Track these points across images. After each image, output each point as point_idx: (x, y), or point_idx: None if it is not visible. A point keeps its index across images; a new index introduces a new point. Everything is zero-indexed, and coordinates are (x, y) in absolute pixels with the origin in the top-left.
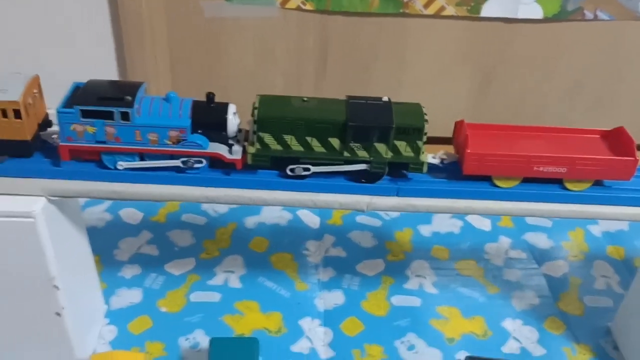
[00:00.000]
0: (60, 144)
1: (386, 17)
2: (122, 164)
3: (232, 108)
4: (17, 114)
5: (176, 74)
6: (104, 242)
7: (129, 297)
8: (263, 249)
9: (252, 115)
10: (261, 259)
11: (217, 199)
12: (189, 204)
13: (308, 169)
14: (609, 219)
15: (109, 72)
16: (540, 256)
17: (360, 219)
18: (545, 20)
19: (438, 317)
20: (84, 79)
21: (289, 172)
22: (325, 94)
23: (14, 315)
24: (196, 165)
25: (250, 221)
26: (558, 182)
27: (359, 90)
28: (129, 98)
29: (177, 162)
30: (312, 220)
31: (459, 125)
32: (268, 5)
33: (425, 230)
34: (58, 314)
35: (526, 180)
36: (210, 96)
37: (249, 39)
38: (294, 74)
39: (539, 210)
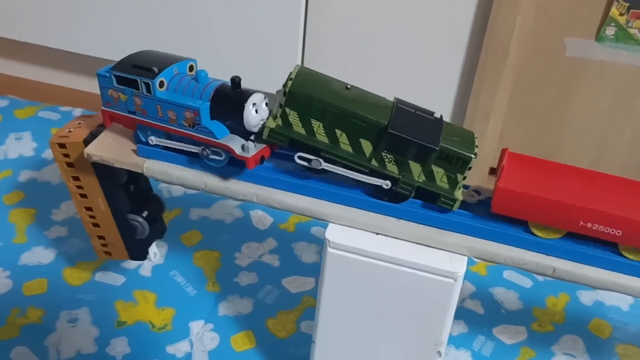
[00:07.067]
0: (102, 108)
1: None
2: (152, 139)
3: (256, 98)
4: None
5: (510, 110)
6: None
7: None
8: None
9: (284, 85)
10: None
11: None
12: None
13: (322, 164)
14: None
15: (447, 99)
16: None
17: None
18: None
19: None
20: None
21: (297, 160)
22: None
23: None
24: (212, 157)
25: None
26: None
27: None
28: (155, 69)
29: (197, 149)
30: None
31: (502, 154)
32: None
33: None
34: None
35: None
36: (235, 80)
37: (608, 87)
38: None
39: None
